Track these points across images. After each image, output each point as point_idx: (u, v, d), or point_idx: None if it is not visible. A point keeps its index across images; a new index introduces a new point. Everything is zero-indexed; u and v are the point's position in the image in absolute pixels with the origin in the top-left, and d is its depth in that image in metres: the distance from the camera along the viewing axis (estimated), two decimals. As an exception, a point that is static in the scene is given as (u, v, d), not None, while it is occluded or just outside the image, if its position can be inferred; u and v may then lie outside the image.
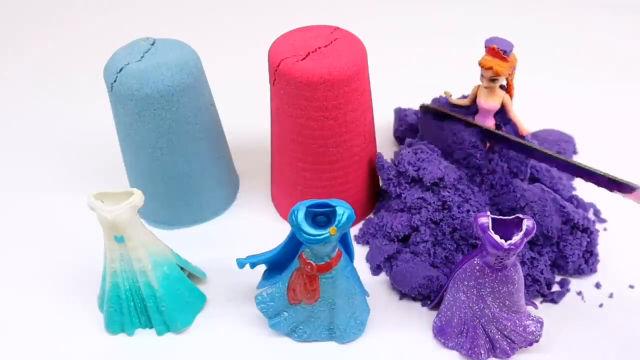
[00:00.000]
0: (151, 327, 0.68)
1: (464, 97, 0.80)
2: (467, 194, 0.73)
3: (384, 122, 0.94)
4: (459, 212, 0.72)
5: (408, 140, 0.82)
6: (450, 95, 0.79)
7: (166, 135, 0.71)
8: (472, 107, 0.78)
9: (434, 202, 0.73)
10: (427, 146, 0.77)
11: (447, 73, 1.03)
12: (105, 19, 1.30)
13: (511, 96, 0.74)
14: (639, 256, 0.75)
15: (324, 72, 0.66)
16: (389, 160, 0.78)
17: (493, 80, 0.71)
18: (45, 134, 0.99)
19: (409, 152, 0.76)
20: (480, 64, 0.71)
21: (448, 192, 0.72)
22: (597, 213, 0.80)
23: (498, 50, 0.69)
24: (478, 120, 0.77)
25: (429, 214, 0.72)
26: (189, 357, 0.66)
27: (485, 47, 0.71)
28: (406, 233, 0.73)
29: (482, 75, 0.72)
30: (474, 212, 0.72)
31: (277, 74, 0.68)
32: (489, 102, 0.74)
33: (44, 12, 1.33)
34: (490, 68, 0.70)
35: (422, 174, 0.73)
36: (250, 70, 0.99)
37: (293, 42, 0.69)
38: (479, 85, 0.75)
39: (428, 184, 0.72)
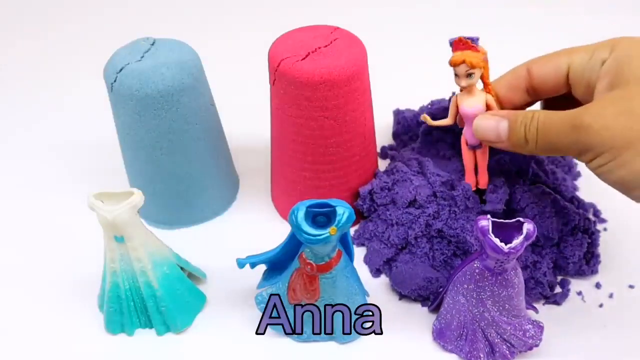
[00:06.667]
0: (151, 327, 0.68)
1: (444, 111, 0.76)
2: (453, 206, 0.71)
3: (383, 122, 0.94)
4: (451, 230, 0.70)
5: (402, 150, 0.82)
6: (432, 122, 0.74)
7: (166, 135, 0.71)
8: (455, 126, 0.73)
9: (421, 216, 0.71)
10: (406, 162, 0.77)
11: (448, 74, 1.03)
12: (105, 19, 1.30)
13: (492, 94, 0.70)
14: (639, 256, 0.75)
15: (324, 72, 0.65)
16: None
17: (469, 75, 0.67)
18: (45, 133, 0.99)
19: (382, 176, 0.76)
20: (451, 63, 0.67)
21: (428, 211, 0.71)
22: (597, 213, 0.80)
23: (466, 41, 0.66)
24: (466, 134, 0.72)
25: (421, 228, 0.71)
26: (189, 357, 0.66)
27: (451, 44, 0.67)
28: (403, 245, 0.73)
29: (456, 77, 0.68)
30: (470, 225, 0.70)
31: (277, 74, 0.68)
32: (473, 105, 0.68)
33: (44, 12, 1.33)
34: (463, 61, 0.66)
35: (395, 197, 0.73)
36: (250, 70, 0.98)
37: (293, 42, 0.69)
38: (456, 97, 0.71)
39: (402, 207, 0.72)
